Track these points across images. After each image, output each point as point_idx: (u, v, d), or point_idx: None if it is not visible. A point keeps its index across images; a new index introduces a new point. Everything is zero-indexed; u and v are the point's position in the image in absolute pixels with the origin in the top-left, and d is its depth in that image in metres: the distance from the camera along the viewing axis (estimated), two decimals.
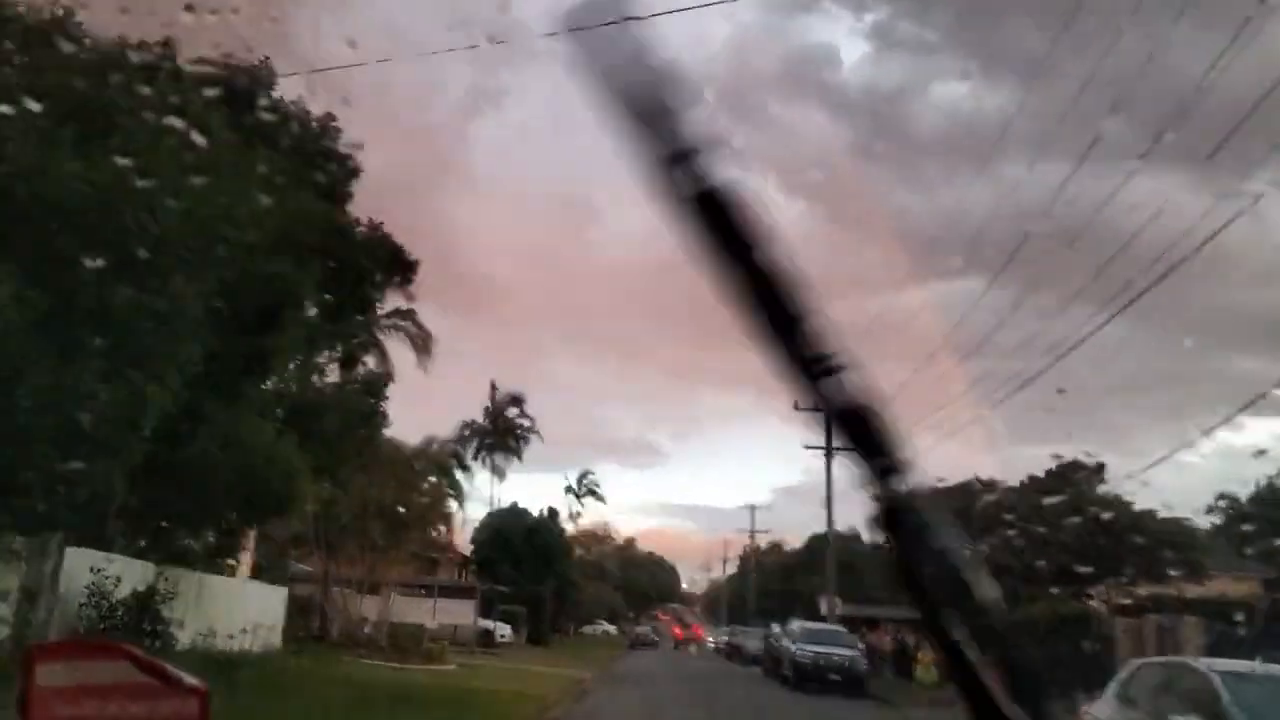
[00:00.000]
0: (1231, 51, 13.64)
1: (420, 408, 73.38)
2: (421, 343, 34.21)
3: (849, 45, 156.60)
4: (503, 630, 48.47)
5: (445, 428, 72.75)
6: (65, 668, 1.74)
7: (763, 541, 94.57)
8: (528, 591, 57.26)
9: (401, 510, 31.37)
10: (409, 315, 33.86)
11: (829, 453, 44.79)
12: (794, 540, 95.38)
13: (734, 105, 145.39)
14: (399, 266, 18.60)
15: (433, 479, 32.74)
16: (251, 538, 33.51)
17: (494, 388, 77.89)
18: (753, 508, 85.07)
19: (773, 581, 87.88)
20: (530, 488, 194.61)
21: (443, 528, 34.41)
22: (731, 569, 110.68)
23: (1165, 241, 16.42)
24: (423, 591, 45.47)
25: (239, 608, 20.05)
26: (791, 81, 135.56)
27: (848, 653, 32.44)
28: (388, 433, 31.93)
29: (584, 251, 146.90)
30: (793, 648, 32.86)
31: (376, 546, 30.92)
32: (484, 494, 79.00)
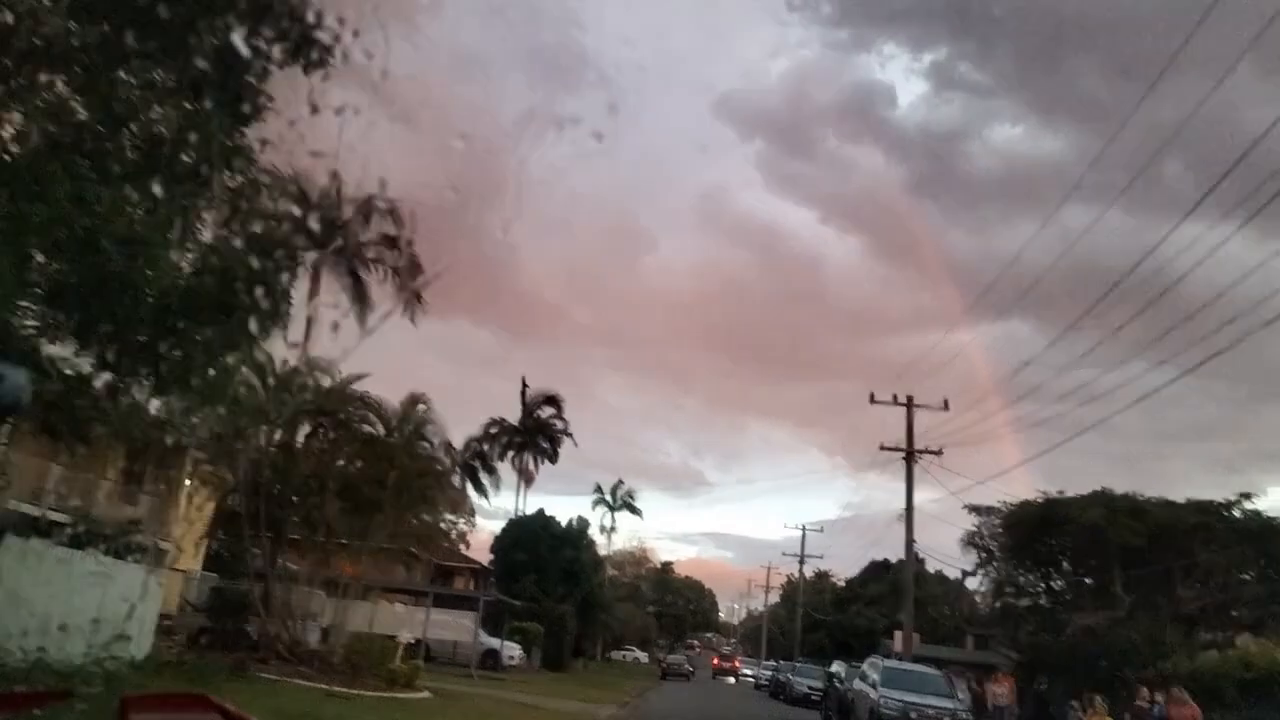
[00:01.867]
0: None
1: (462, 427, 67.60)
2: (409, 277, 27.19)
3: (906, 85, 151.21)
4: (511, 651, 40.95)
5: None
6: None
7: (810, 570, 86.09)
8: (547, 608, 49.71)
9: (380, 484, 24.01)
10: (395, 243, 26.93)
11: (910, 455, 37.21)
12: (840, 574, 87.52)
13: (791, 139, 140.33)
14: (307, 41, 11.10)
15: (424, 451, 25.29)
16: (195, 518, 26.67)
17: (525, 385, 70.78)
18: (804, 528, 76.44)
19: (822, 614, 79.76)
20: (565, 508, 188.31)
21: (433, 518, 26.80)
22: (773, 599, 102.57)
23: (1230, 294, 17.03)
24: (415, 600, 38.33)
25: (44, 593, 12.93)
26: (848, 118, 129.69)
27: (948, 705, 24.52)
28: (367, 386, 24.83)
29: (635, 279, 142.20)
30: (874, 694, 25.03)
31: (334, 532, 23.73)
32: (511, 508, 71.59)
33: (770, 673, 62.63)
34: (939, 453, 37.17)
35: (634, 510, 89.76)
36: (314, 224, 22.78)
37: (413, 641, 26.82)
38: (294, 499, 23.12)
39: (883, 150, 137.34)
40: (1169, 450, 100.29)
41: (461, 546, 74.03)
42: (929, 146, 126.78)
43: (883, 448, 37.95)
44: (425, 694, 23.14)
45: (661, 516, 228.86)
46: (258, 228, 12.09)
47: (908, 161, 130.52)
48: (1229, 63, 16.71)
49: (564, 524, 65.02)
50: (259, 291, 11.29)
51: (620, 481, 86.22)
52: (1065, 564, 31.85)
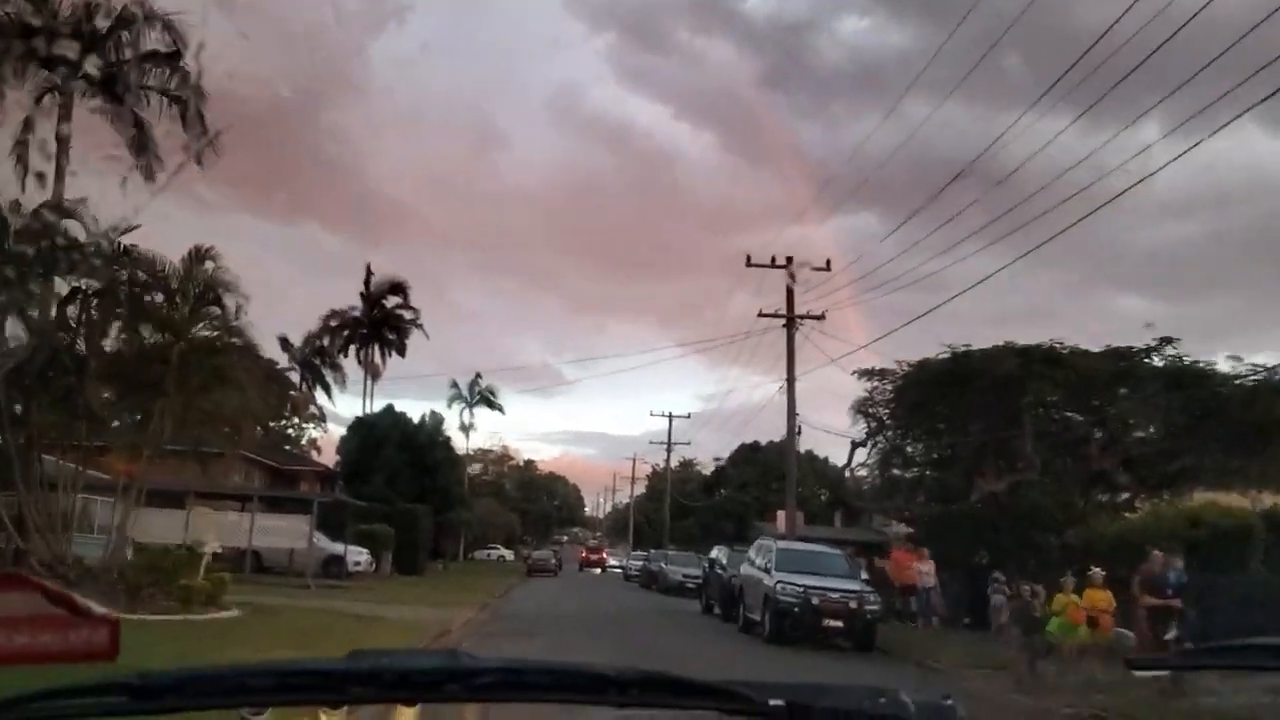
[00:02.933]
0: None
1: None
2: (195, 115, 21.93)
3: None
4: (357, 556, 36.75)
5: None
6: None
7: (676, 460, 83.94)
8: (398, 508, 45.47)
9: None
10: (170, 59, 21.59)
11: (790, 321, 34.11)
12: (705, 463, 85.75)
13: (643, 32, 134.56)
14: None
15: (216, 319, 20.39)
16: None
17: (370, 273, 64.99)
18: (670, 415, 73.79)
19: (690, 501, 77.79)
20: (422, 411, 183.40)
21: (239, 402, 21.83)
22: (639, 491, 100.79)
23: (1059, 181, 19.00)
24: (244, 506, 33.53)
25: None
26: (699, 9, 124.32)
27: (853, 587, 21.56)
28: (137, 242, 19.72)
29: (491, 179, 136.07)
30: (769, 580, 21.87)
31: (99, 423, 18.88)
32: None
33: (640, 563, 59.97)
34: (821, 317, 34.21)
35: (493, 405, 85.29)
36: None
37: (219, 550, 22.32)
38: (44, 383, 18.11)
39: (734, 43, 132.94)
40: (1004, 333, 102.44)
41: (313, 453, 68.64)
42: (779, 39, 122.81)
43: (761, 314, 34.84)
44: (233, 612, 18.88)
45: (524, 416, 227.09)
46: None
47: (759, 55, 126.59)
48: None
49: (417, 421, 60.45)
50: None
51: (478, 376, 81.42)
52: (968, 426, 29.22)
